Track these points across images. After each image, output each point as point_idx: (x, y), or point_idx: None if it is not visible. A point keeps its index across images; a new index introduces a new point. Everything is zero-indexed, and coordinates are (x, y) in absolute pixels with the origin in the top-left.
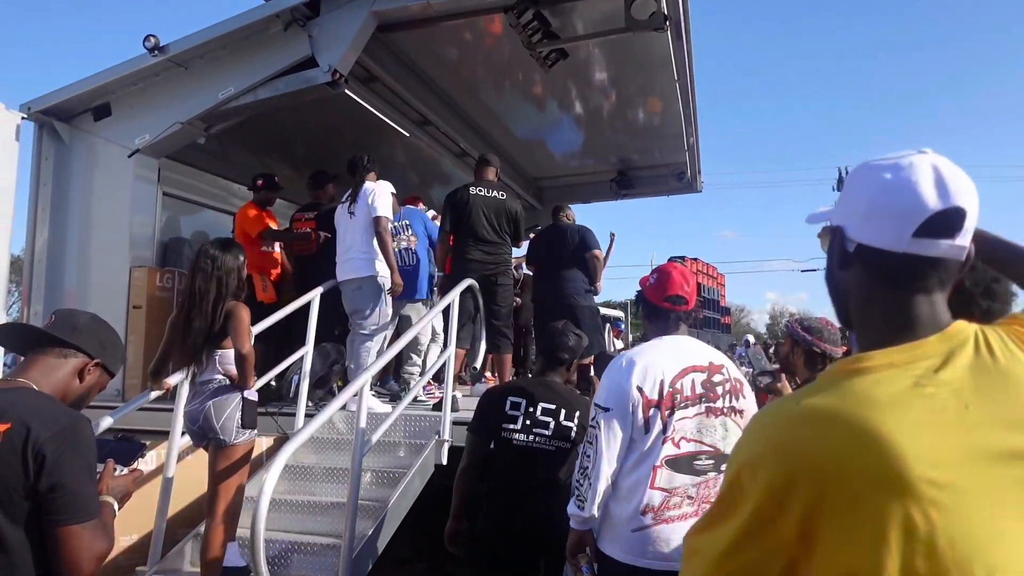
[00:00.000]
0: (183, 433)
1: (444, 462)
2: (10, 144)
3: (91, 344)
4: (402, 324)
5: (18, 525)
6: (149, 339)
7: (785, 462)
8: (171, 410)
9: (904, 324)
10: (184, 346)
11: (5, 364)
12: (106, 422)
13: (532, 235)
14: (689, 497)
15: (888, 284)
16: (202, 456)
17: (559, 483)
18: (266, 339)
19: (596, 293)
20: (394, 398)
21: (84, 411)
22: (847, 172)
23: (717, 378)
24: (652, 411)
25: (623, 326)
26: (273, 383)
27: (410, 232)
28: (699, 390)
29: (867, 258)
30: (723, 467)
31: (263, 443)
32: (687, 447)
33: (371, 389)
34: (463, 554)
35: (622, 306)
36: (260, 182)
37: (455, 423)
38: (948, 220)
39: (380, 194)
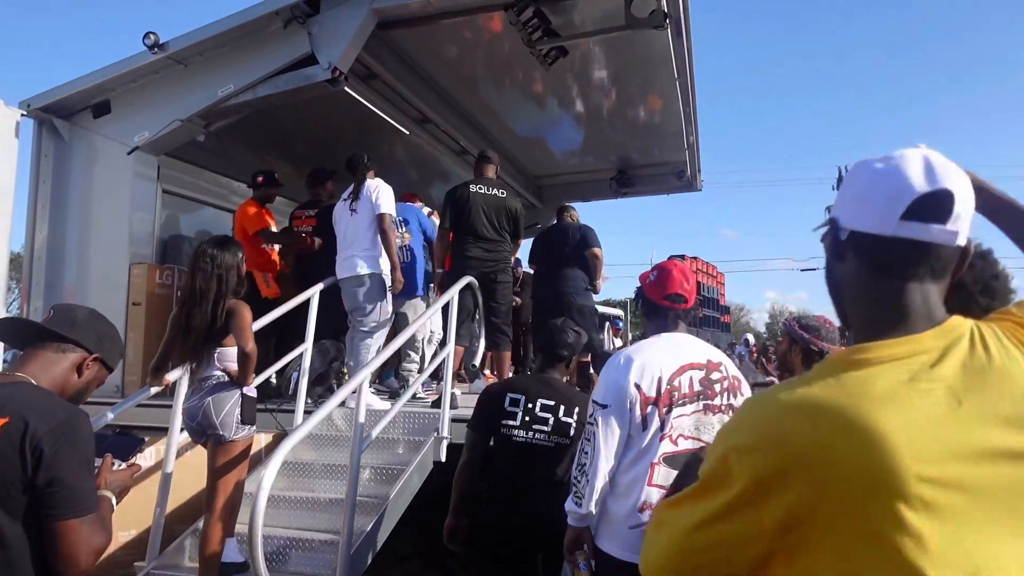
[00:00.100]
0: (182, 429)
1: (443, 459)
2: (10, 141)
3: (89, 339)
4: (398, 321)
5: (16, 520)
6: (149, 336)
7: (776, 452)
8: (170, 406)
9: (896, 313)
10: (185, 344)
11: (5, 361)
12: (106, 418)
13: (536, 234)
14: None
15: (879, 272)
16: (201, 452)
17: (558, 479)
18: (265, 336)
19: (596, 292)
20: (393, 395)
21: (84, 407)
22: (847, 171)
23: (715, 376)
24: (650, 408)
25: (621, 324)
26: (273, 380)
27: (404, 229)
28: (697, 387)
29: (859, 245)
30: None
31: (262, 439)
32: (685, 444)
33: (370, 386)
34: (462, 551)
35: (622, 305)
36: (260, 179)
37: (454, 420)
38: (936, 202)
39: (384, 192)
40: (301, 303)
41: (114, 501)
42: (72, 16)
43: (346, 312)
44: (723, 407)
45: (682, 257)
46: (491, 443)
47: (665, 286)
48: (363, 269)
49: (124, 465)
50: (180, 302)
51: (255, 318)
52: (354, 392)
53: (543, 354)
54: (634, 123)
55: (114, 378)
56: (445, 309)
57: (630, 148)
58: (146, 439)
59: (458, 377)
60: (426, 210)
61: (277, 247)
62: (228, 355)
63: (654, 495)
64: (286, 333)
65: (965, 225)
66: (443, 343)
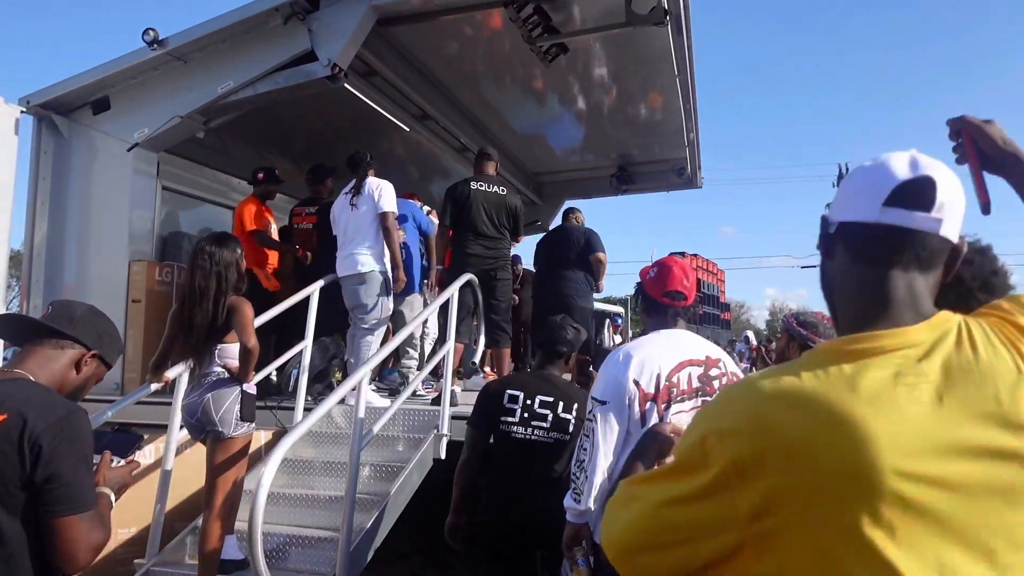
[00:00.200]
0: (182, 427)
1: (443, 456)
2: (9, 138)
3: (88, 335)
4: (394, 318)
5: (15, 516)
6: (148, 333)
7: (756, 437)
8: (170, 403)
9: (880, 302)
10: (187, 342)
11: (4, 358)
12: (106, 415)
13: (535, 231)
14: None
15: (864, 260)
16: (201, 449)
17: (557, 476)
18: (266, 333)
19: (599, 291)
20: (393, 392)
21: (83, 404)
22: (847, 168)
23: (714, 372)
24: (648, 405)
25: (620, 321)
26: (273, 377)
27: (400, 226)
28: (695, 384)
29: (846, 236)
30: None
31: (261, 437)
32: None
33: (370, 383)
34: (463, 548)
35: (622, 302)
36: (261, 175)
37: (454, 417)
38: (917, 188)
39: (386, 190)
40: (301, 300)
41: (113, 498)
42: (72, 15)
43: (346, 309)
44: None
45: (682, 254)
46: (491, 440)
47: (665, 283)
48: (364, 267)
49: (123, 462)
50: (180, 300)
51: (257, 312)
52: (354, 389)
53: (542, 351)
54: (634, 120)
55: (114, 375)
56: (444, 306)
57: (630, 145)
58: (145, 436)
59: (458, 374)
60: (425, 208)
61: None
62: (229, 352)
63: None
64: (286, 330)
65: (951, 217)
66: (443, 340)
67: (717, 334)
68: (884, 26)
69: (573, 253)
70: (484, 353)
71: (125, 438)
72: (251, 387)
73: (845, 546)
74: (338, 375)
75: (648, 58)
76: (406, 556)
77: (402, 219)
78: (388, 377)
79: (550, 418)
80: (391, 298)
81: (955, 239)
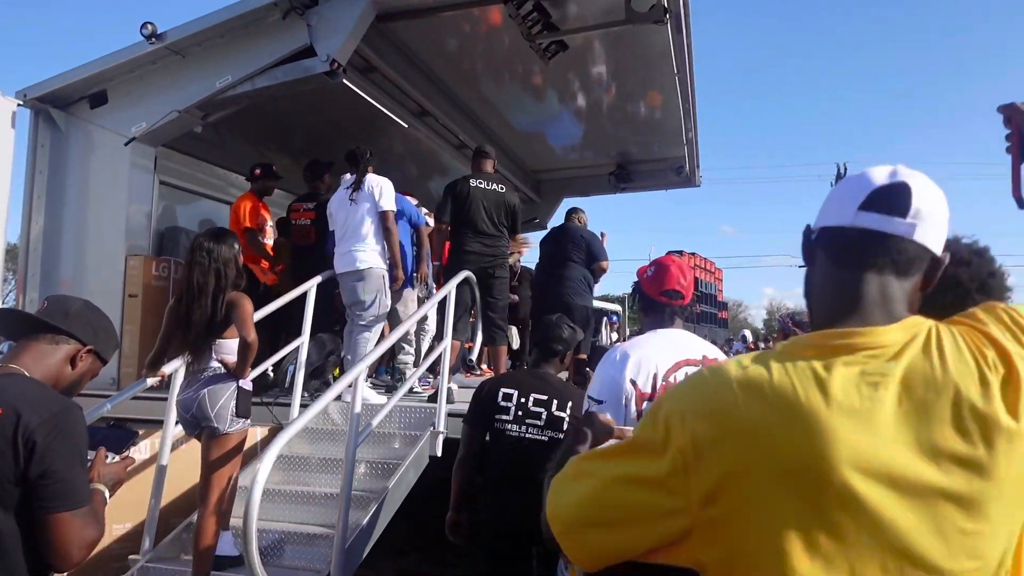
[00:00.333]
0: (177, 422)
1: (439, 454)
2: (6, 131)
3: (84, 331)
4: (388, 315)
5: (8, 512)
6: (145, 328)
7: (717, 422)
8: (166, 399)
9: (850, 302)
10: (185, 338)
11: (0, 352)
12: (102, 409)
13: (534, 229)
14: None
15: (840, 263)
16: (196, 445)
17: None
18: (263, 329)
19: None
20: (389, 389)
21: (78, 399)
22: (846, 168)
23: None
24: (645, 404)
25: (615, 319)
26: (271, 372)
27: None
28: None
29: (824, 241)
30: None
31: (257, 433)
32: None
33: (366, 380)
34: (463, 544)
35: (620, 300)
36: (258, 171)
37: (450, 415)
38: (892, 193)
39: (387, 188)
40: (298, 296)
41: (107, 494)
42: (70, 8)
43: (342, 306)
44: None
45: (680, 253)
46: (487, 438)
47: (662, 282)
48: (363, 263)
49: (118, 458)
50: (177, 296)
51: (255, 308)
52: (350, 386)
53: (538, 349)
54: (633, 118)
55: (110, 370)
56: (442, 303)
57: (629, 143)
58: (140, 432)
59: (454, 372)
60: (414, 202)
61: (270, 241)
62: (226, 347)
63: None
64: (283, 327)
65: (929, 224)
66: (440, 337)
67: (714, 333)
68: (885, 26)
69: (574, 253)
70: (480, 350)
71: (120, 434)
72: (247, 383)
73: (791, 538)
74: (335, 372)
75: (647, 56)
76: (402, 553)
77: (398, 215)
78: (381, 376)
79: (544, 416)
80: (388, 295)
81: (935, 248)
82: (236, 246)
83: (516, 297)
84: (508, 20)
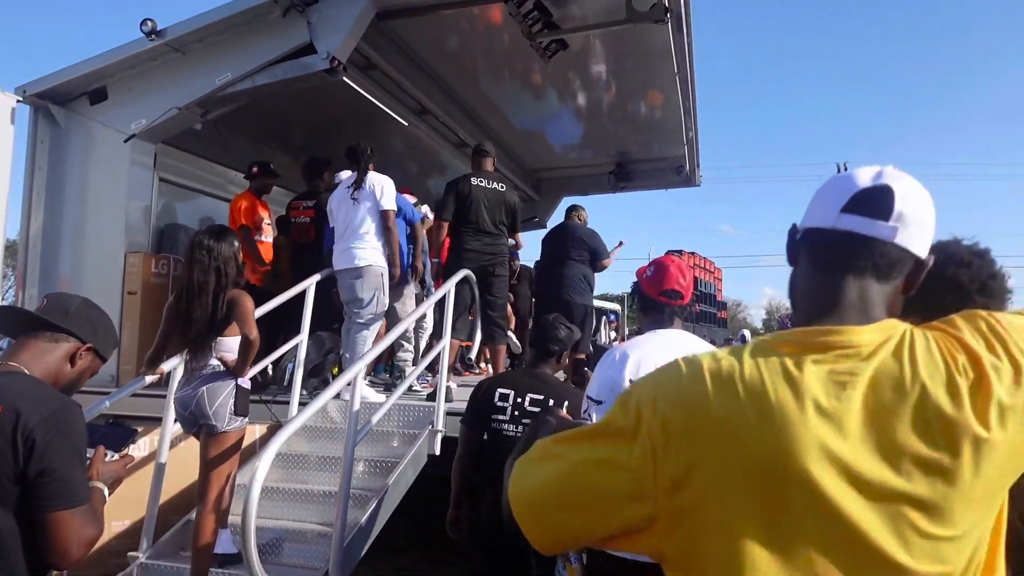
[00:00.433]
0: (175, 420)
1: (437, 452)
2: (5, 127)
3: (83, 328)
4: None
5: (8, 510)
6: (144, 325)
7: (689, 410)
8: (164, 396)
9: (827, 304)
10: (186, 336)
11: (0, 349)
12: (101, 406)
13: (533, 227)
14: None
15: (821, 266)
16: (195, 442)
17: None
18: (261, 326)
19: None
20: (388, 387)
21: (77, 396)
22: (845, 167)
23: None
24: None
25: (614, 318)
26: (269, 371)
27: None
28: None
29: (807, 242)
30: None
31: (256, 431)
32: None
33: (365, 378)
34: (464, 540)
35: (619, 299)
36: (255, 169)
37: (449, 413)
38: (875, 196)
39: (388, 187)
40: (297, 295)
41: (106, 492)
42: (75, 9)
43: (340, 303)
44: None
45: (679, 252)
46: (485, 437)
47: (661, 282)
48: (361, 261)
49: (117, 456)
50: (177, 294)
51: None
52: (349, 384)
53: (534, 349)
54: (634, 117)
55: (109, 367)
56: (440, 302)
57: (629, 142)
58: (139, 430)
59: (453, 370)
60: (412, 200)
61: (269, 239)
62: (226, 345)
63: None
64: (283, 324)
65: (913, 228)
66: (439, 336)
67: (713, 332)
68: (885, 26)
69: (574, 251)
70: (480, 349)
71: (119, 432)
72: (245, 381)
73: (753, 531)
74: (334, 370)
75: (648, 55)
76: (400, 551)
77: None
78: (379, 374)
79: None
80: (387, 293)
81: (918, 251)
82: (236, 243)
83: (513, 296)
84: (508, 18)
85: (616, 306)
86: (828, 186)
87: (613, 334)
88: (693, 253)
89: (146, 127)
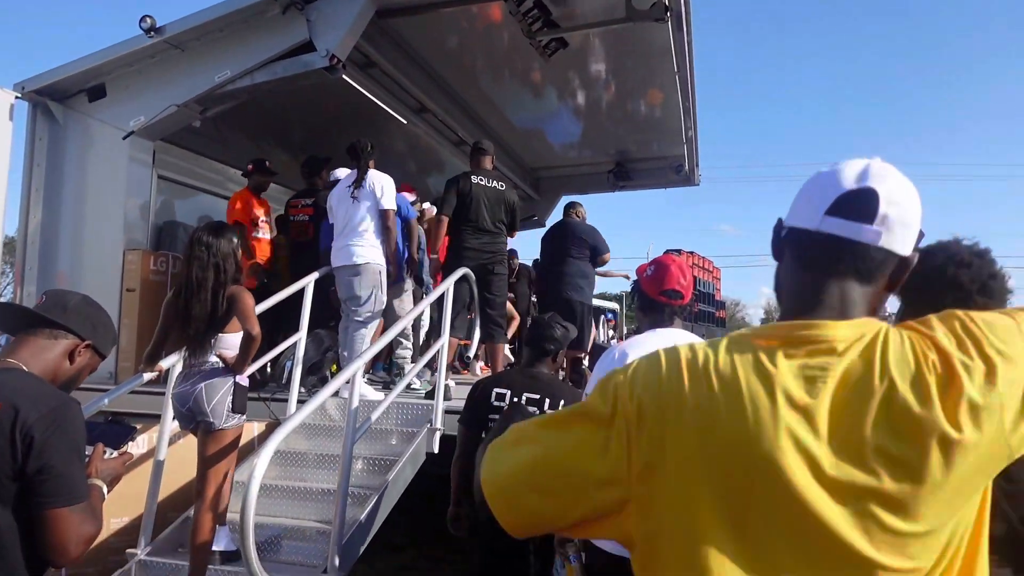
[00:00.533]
0: (174, 417)
1: (435, 450)
2: (4, 124)
3: (82, 325)
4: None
5: (6, 507)
6: (142, 322)
7: (664, 398)
8: (163, 393)
9: (808, 304)
10: (185, 333)
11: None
12: (100, 403)
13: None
14: None
15: (804, 266)
16: (194, 440)
17: None
18: (261, 323)
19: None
20: (385, 385)
21: (76, 394)
22: None
23: None
24: None
25: (611, 316)
26: (268, 368)
27: None
28: None
29: (791, 241)
30: None
31: (254, 428)
32: None
33: (363, 376)
34: (465, 536)
35: (617, 298)
36: (250, 167)
37: (447, 412)
38: (859, 200)
39: (388, 186)
40: (296, 292)
41: (105, 490)
42: (71, 6)
43: (337, 301)
44: None
45: (678, 252)
46: (482, 436)
47: (662, 282)
48: (360, 258)
49: (115, 453)
50: (176, 290)
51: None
52: (348, 382)
53: (530, 348)
54: (633, 116)
55: (107, 365)
56: (439, 300)
57: (628, 142)
58: (138, 427)
59: (452, 368)
60: (411, 198)
61: (266, 236)
62: (227, 342)
63: None
64: (283, 322)
65: (898, 228)
66: (437, 335)
67: (712, 332)
68: (885, 26)
69: (573, 249)
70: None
71: (118, 430)
72: (244, 379)
73: (719, 519)
74: (332, 368)
75: (648, 54)
76: (399, 549)
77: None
78: (377, 372)
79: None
80: (385, 291)
81: (903, 251)
82: (235, 240)
83: (513, 294)
84: (508, 17)
85: (614, 305)
86: (814, 184)
87: (611, 332)
88: (692, 252)
89: (145, 124)
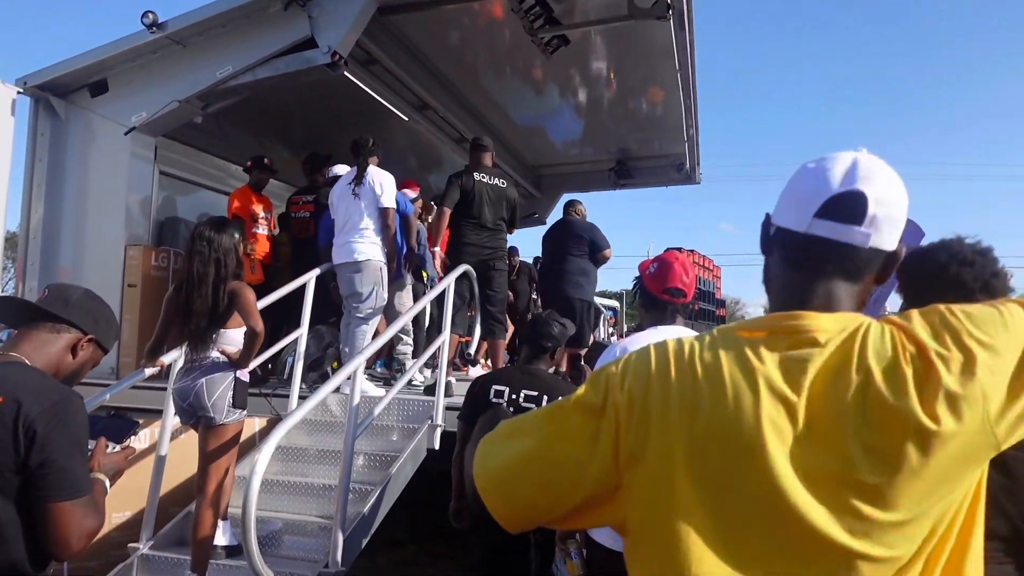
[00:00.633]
0: (174, 411)
1: (436, 447)
2: (6, 119)
3: (84, 319)
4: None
5: (8, 501)
6: (144, 318)
7: (652, 388)
8: (165, 388)
9: (794, 302)
10: (186, 328)
11: (0, 340)
12: (102, 398)
13: (532, 223)
14: None
15: (793, 266)
16: (195, 435)
17: None
18: (264, 319)
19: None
20: (386, 381)
21: (78, 389)
22: None
23: None
24: None
25: (612, 314)
26: (270, 363)
27: None
28: None
29: (780, 241)
30: None
31: (256, 424)
32: None
33: (364, 372)
34: (467, 529)
35: (618, 296)
36: (249, 163)
37: (448, 408)
38: (848, 202)
39: (388, 184)
40: (297, 288)
41: (107, 484)
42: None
43: (338, 298)
44: None
45: (679, 250)
46: None
47: (665, 279)
48: (360, 255)
49: (118, 448)
50: (177, 285)
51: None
52: (349, 378)
53: (528, 345)
54: (635, 114)
55: (109, 359)
56: (439, 296)
57: (630, 139)
58: (140, 421)
59: (453, 365)
60: (411, 195)
61: (266, 232)
62: (228, 337)
63: None
64: (284, 318)
65: (886, 227)
66: (438, 331)
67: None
68: (886, 26)
69: (573, 247)
70: (479, 344)
71: (120, 424)
72: (244, 374)
73: (703, 506)
74: (333, 364)
75: (649, 52)
76: (400, 544)
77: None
78: (377, 368)
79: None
80: (386, 287)
81: (890, 247)
82: (236, 236)
83: (512, 293)
84: (510, 14)
85: (614, 303)
86: (801, 183)
87: (611, 330)
88: (692, 251)
89: (147, 120)
